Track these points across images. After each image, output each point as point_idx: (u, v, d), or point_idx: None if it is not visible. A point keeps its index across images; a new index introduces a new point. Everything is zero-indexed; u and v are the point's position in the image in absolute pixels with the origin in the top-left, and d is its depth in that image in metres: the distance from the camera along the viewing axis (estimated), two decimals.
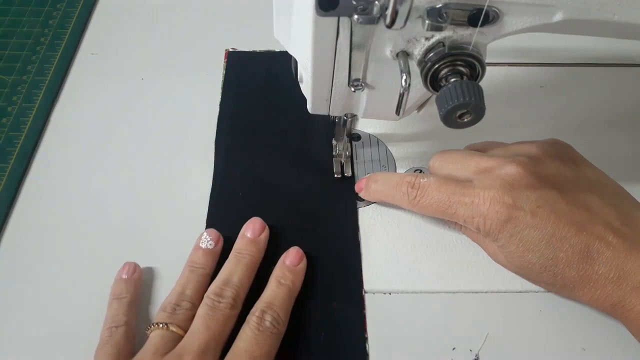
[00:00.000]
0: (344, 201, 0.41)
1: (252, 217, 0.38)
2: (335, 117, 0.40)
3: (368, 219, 0.40)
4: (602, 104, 0.47)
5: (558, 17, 0.27)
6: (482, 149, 0.38)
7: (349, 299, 0.36)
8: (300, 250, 0.37)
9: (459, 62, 0.28)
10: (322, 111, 0.36)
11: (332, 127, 0.42)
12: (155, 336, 0.32)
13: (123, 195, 0.41)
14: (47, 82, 0.48)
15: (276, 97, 0.47)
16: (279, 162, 0.43)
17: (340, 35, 0.29)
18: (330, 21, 0.28)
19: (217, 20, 0.54)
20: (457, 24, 0.27)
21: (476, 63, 0.28)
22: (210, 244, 0.36)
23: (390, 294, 0.36)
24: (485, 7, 0.26)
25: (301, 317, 0.35)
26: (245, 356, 0.31)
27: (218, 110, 0.46)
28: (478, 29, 0.27)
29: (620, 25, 0.28)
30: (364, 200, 0.40)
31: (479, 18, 0.26)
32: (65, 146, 0.44)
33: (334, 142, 0.42)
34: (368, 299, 0.36)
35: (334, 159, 0.42)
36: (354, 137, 0.44)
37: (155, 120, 0.46)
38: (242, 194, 0.41)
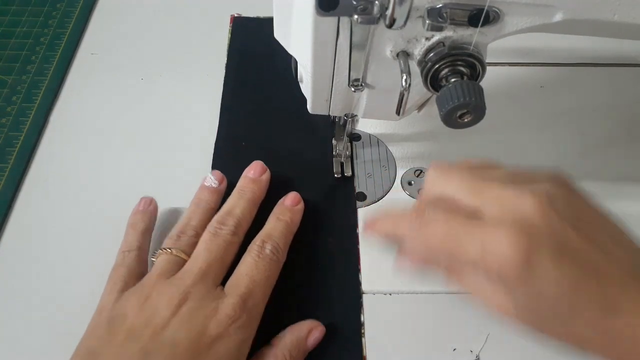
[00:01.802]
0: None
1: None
2: (335, 117, 0.40)
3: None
4: (603, 104, 0.47)
5: (558, 17, 0.27)
6: (480, 168, 0.30)
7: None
8: (298, 195, 0.39)
9: (460, 62, 0.28)
10: (322, 111, 0.36)
11: (332, 126, 0.42)
12: (160, 260, 0.34)
13: (122, 194, 0.41)
14: (46, 82, 0.48)
15: (280, 62, 0.48)
16: (281, 126, 0.45)
17: (340, 35, 0.29)
18: (330, 21, 0.28)
19: (217, 20, 0.54)
20: (457, 24, 0.27)
21: (476, 63, 0.28)
22: (214, 183, 0.39)
23: (390, 294, 0.36)
24: (486, 7, 0.26)
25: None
26: (246, 279, 0.33)
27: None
28: (478, 29, 0.27)
29: (620, 25, 0.28)
30: (364, 200, 0.40)
31: (479, 18, 0.26)
32: (64, 146, 0.44)
33: (334, 142, 0.42)
34: (367, 300, 0.36)
35: (334, 158, 0.42)
36: (354, 137, 0.44)
37: (156, 120, 0.46)
38: (245, 143, 0.44)
